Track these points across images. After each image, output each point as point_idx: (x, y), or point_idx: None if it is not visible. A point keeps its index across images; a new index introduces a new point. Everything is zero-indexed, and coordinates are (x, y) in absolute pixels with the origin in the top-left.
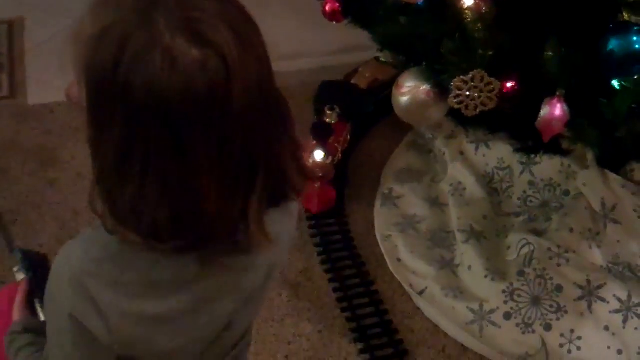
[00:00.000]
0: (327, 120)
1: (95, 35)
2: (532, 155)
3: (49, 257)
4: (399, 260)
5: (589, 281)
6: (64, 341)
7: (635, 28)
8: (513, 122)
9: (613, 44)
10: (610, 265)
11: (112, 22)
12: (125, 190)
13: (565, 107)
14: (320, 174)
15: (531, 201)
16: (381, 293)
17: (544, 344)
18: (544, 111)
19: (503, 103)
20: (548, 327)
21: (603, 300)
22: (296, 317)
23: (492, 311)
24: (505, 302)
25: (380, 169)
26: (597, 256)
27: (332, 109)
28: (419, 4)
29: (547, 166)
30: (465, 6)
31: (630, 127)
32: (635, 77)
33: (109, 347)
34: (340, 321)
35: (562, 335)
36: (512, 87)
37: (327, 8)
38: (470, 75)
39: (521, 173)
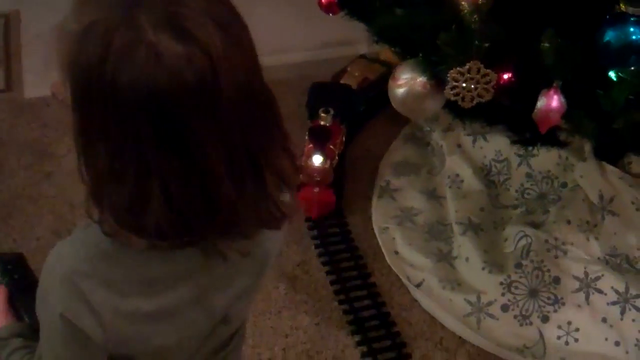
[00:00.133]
0: (322, 123)
1: (79, 32)
2: (530, 148)
3: (24, 256)
4: (396, 252)
5: (586, 273)
6: (54, 342)
7: (632, 19)
8: (510, 114)
9: (610, 35)
10: (607, 257)
11: (96, 19)
12: (122, 192)
13: (562, 99)
14: (319, 178)
15: (529, 193)
16: (378, 285)
17: (541, 335)
18: (541, 102)
19: (499, 95)
20: (545, 319)
21: (600, 292)
22: (293, 310)
23: (489, 303)
24: (503, 294)
25: (377, 161)
26: (594, 248)
27: (326, 112)
28: None
29: (545, 158)
30: None
31: (627, 119)
32: (632, 68)
33: (103, 347)
34: (337, 314)
35: (559, 327)
36: (508, 78)
37: (323, 0)
38: (467, 67)
39: (518, 165)
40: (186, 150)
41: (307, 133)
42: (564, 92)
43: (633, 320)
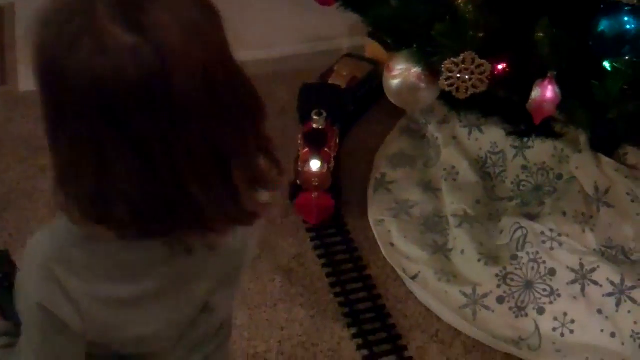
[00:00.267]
0: (315, 125)
1: (44, 17)
2: (525, 139)
3: (9, 252)
4: (392, 245)
5: (582, 265)
6: (32, 333)
7: (626, 8)
8: (505, 106)
9: (604, 25)
10: (603, 249)
11: (59, 7)
12: (83, 183)
13: (557, 89)
14: (317, 183)
15: (524, 185)
16: (374, 278)
17: (537, 327)
18: (535, 93)
19: (494, 85)
20: (541, 311)
21: (596, 283)
22: (289, 303)
23: (485, 295)
24: (499, 286)
25: (373, 154)
26: (590, 240)
27: (319, 114)
28: None
29: (540, 150)
30: None
31: (621, 109)
32: (627, 58)
33: (81, 336)
34: (333, 306)
35: (555, 318)
36: (503, 69)
37: None
38: (461, 57)
39: (514, 157)
40: (138, 145)
41: (300, 137)
42: (559, 82)
43: (629, 312)
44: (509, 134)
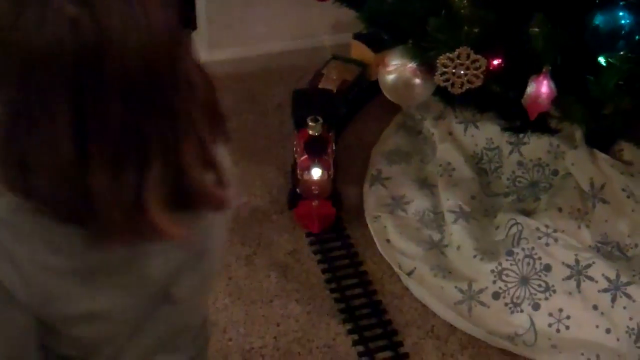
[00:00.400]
0: (311, 132)
1: None
2: (521, 135)
3: None
4: (387, 240)
5: (577, 260)
6: None
7: (621, 3)
8: (500, 101)
9: (599, 20)
10: (598, 245)
11: None
12: (2, 148)
13: (552, 84)
14: (317, 192)
15: (520, 181)
16: (370, 274)
17: (532, 323)
18: (530, 88)
19: (490, 81)
20: (536, 307)
21: (591, 279)
22: (285, 298)
23: (480, 291)
24: (494, 282)
25: (369, 150)
26: (585, 236)
27: (315, 120)
28: None
29: (536, 146)
30: None
31: (616, 104)
32: (622, 53)
33: (27, 306)
34: (329, 302)
35: (550, 314)
36: (498, 64)
37: None
38: (457, 53)
39: (510, 153)
40: (51, 120)
41: (296, 144)
42: (554, 77)
43: (624, 308)
44: (504, 129)
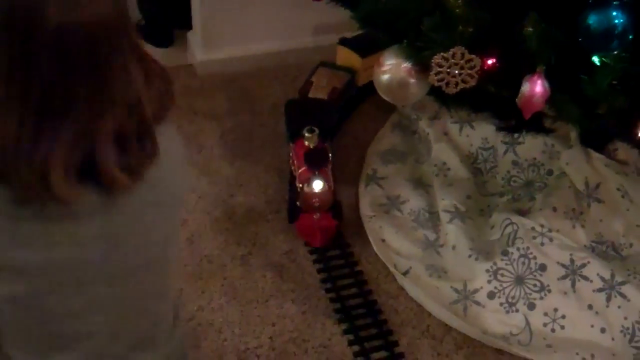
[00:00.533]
0: (307, 143)
1: None
2: (516, 135)
3: None
4: (383, 240)
5: (572, 260)
6: None
7: (615, 3)
8: (495, 101)
9: (592, 19)
10: (593, 244)
11: None
12: None
13: (546, 84)
14: (318, 204)
15: (515, 181)
16: (365, 273)
17: (527, 323)
18: (525, 88)
19: (484, 80)
20: (532, 306)
21: (586, 279)
22: (280, 298)
23: (475, 291)
24: (489, 282)
25: (364, 149)
26: (580, 235)
27: (311, 131)
28: None
29: (531, 146)
30: None
31: (610, 104)
32: (615, 53)
33: None
34: (324, 302)
35: (545, 314)
36: (492, 63)
37: None
38: (451, 52)
39: (505, 153)
40: None
41: (292, 156)
42: (548, 77)
43: (619, 307)
44: (499, 129)
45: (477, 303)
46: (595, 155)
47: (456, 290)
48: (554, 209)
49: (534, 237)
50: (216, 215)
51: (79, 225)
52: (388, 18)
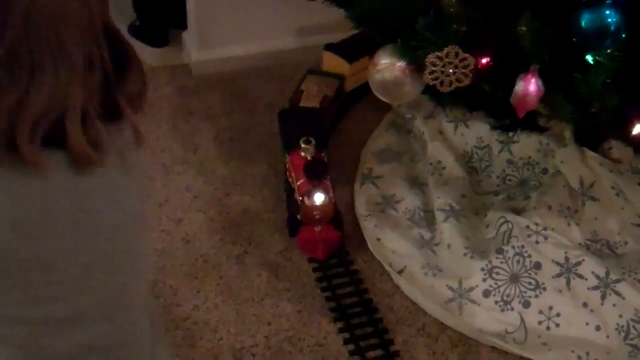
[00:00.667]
0: (303, 154)
1: None
2: (511, 134)
3: None
4: (378, 239)
5: (567, 258)
6: None
7: (608, 1)
8: (490, 100)
9: (586, 18)
10: (588, 243)
11: None
12: None
13: (540, 82)
14: (319, 217)
15: (510, 180)
16: (361, 272)
17: (522, 321)
18: (518, 86)
19: (478, 79)
20: (527, 304)
21: (581, 277)
22: (276, 297)
23: (471, 289)
24: (484, 280)
25: (359, 149)
26: (575, 233)
27: (308, 142)
28: None
29: (526, 145)
30: None
31: (604, 102)
32: (609, 51)
33: None
34: (319, 301)
35: (540, 312)
36: (487, 62)
37: None
38: (445, 51)
39: (500, 152)
40: None
41: (289, 167)
42: (542, 76)
43: (614, 305)
44: (493, 128)
45: (473, 301)
46: (590, 153)
47: (451, 289)
48: (549, 208)
49: (529, 236)
50: (211, 215)
51: (47, 183)
52: (382, 17)
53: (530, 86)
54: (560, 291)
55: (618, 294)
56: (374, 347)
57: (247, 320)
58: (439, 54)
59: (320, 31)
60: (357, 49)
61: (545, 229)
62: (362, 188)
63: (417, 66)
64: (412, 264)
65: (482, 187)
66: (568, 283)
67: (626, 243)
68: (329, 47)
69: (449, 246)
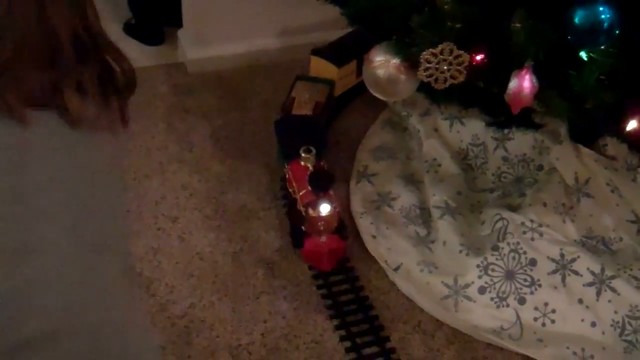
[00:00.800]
0: (303, 163)
1: None
2: (506, 131)
3: None
4: (374, 236)
5: (562, 255)
6: None
7: None
8: (485, 97)
9: (579, 15)
10: (583, 239)
11: None
12: None
13: (534, 79)
14: (322, 227)
15: (505, 177)
16: (357, 270)
17: (518, 317)
18: (513, 83)
19: (473, 76)
20: (522, 301)
21: (576, 273)
22: (272, 295)
23: (466, 286)
24: (480, 277)
25: (355, 146)
26: (570, 230)
27: (308, 151)
28: None
29: (521, 142)
30: None
31: (598, 99)
32: (602, 48)
33: None
34: (315, 298)
35: (536, 308)
36: (481, 59)
37: None
38: (439, 48)
39: (495, 149)
40: None
41: (289, 178)
42: (536, 72)
43: (609, 301)
44: (488, 124)
45: (468, 298)
46: (585, 150)
47: (447, 286)
48: (544, 204)
49: (524, 232)
50: (207, 213)
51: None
52: (377, 14)
53: (524, 83)
54: (555, 288)
55: (613, 290)
56: (370, 344)
57: (243, 318)
58: (434, 50)
59: (314, 29)
60: (344, 53)
61: (540, 225)
62: (358, 186)
63: (411, 63)
64: (408, 261)
65: (478, 184)
66: (563, 279)
67: (621, 239)
68: (316, 51)
69: (444, 243)
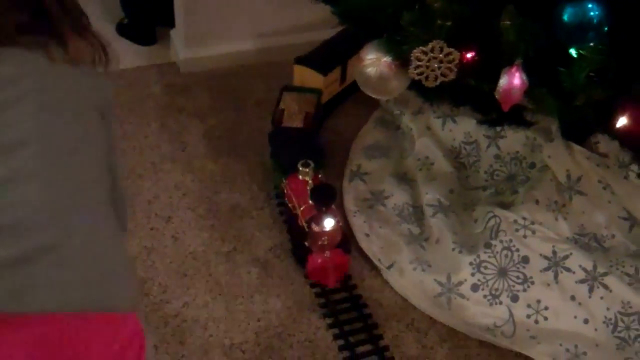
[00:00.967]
0: (301, 177)
1: None
2: (498, 129)
3: None
4: (367, 235)
5: (554, 252)
6: None
7: None
8: (476, 94)
9: (568, 12)
10: (576, 236)
11: None
12: None
13: (524, 76)
14: (326, 242)
15: (497, 175)
16: (350, 268)
17: (511, 314)
18: (503, 80)
19: (464, 74)
20: (515, 298)
21: (569, 270)
22: (265, 294)
23: (459, 283)
24: (473, 274)
25: (348, 145)
26: (563, 227)
27: (306, 165)
28: None
29: (513, 140)
30: None
31: (588, 96)
32: (592, 45)
33: None
34: (309, 297)
35: (528, 305)
36: (472, 57)
37: None
38: (430, 46)
39: (487, 147)
40: None
41: (288, 193)
42: (526, 70)
43: (601, 298)
44: (480, 122)
45: (461, 295)
46: (577, 148)
47: (440, 284)
48: (537, 202)
49: (517, 230)
50: (200, 212)
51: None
52: (367, 13)
53: (514, 80)
54: (548, 285)
55: (605, 287)
56: (363, 342)
57: (237, 317)
58: (424, 48)
59: (307, 29)
60: (328, 60)
61: (533, 223)
62: (351, 184)
63: (402, 61)
64: (401, 259)
65: (470, 182)
66: (556, 277)
67: (613, 236)
68: (299, 60)
69: (437, 241)
